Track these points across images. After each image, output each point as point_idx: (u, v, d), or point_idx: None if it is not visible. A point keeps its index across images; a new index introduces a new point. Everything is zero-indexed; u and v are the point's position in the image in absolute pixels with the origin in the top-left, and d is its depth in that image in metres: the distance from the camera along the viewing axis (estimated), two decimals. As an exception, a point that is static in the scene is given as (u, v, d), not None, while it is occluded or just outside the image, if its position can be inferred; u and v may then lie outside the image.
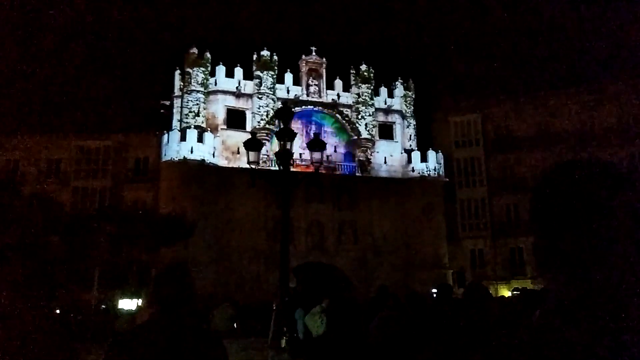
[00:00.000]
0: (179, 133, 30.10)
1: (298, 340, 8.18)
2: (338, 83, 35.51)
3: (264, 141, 28.93)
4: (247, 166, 9.37)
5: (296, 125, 29.86)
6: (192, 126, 30.69)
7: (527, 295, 7.34)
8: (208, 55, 33.08)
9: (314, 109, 34.35)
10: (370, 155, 34.70)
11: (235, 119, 32.90)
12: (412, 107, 37.06)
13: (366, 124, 34.72)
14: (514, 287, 29.01)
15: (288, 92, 33.96)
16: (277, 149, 9.44)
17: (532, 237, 1.05)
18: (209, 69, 33.07)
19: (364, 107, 34.95)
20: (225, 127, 32.52)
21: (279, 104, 30.25)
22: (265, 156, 29.77)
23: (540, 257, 1.02)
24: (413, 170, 34.12)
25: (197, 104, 31.90)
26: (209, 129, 31.37)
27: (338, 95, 35.11)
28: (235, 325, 17.15)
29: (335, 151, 33.83)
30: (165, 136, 30.69)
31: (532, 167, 34.01)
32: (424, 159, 34.21)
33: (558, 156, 33.36)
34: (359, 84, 35.39)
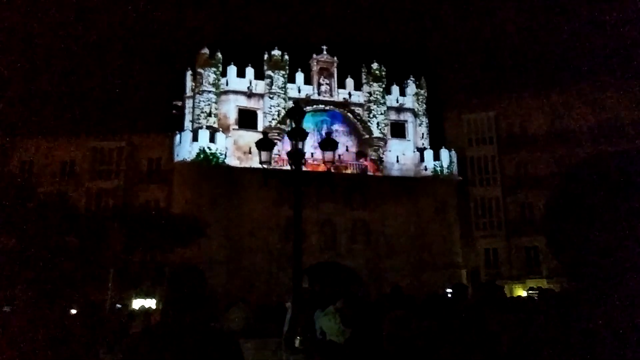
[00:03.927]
0: (191, 133, 30.26)
1: (313, 341, 8.14)
2: (349, 82, 35.39)
3: (275, 141, 28.97)
4: (259, 166, 9.34)
5: (307, 125, 29.84)
6: (204, 126, 30.83)
7: (545, 295, 7.23)
8: (219, 55, 33.18)
9: (326, 108, 34.33)
10: (382, 154, 34.55)
11: (246, 119, 32.99)
12: (425, 105, 36.81)
13: (378, 123, 34.58)
14: (530, 286, 28.76)
15: (299, 91, 33.95)
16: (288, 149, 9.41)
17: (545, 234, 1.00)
18: (220, 69, 33.18)
19: (375, 106, 34.82)
20: (236, 127, 32.62)
21: (290, 104, 30.25)
22: (277, 156, 29.80)
23: (558, 253, 0.97)
24: (426, 169, 33.88)
25: (209, 104, 32.03)
26: (220, 129, 31.49)
27: (349, 94, 35.01)
28: (249, 325, 17.18)
29: (347, 150, 33.72)
30: (178, 137, 30.86)
31: (547, 165, 33.60)
32: (436, 157, 33.94)
33: (573, 154, 32.95)
34: (371, 83, 35.25)
